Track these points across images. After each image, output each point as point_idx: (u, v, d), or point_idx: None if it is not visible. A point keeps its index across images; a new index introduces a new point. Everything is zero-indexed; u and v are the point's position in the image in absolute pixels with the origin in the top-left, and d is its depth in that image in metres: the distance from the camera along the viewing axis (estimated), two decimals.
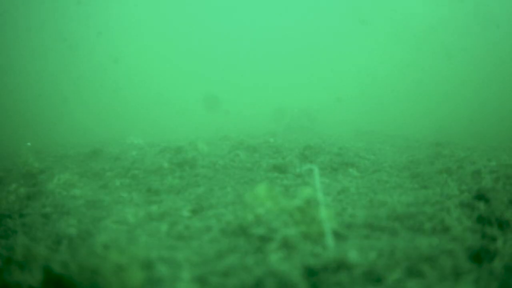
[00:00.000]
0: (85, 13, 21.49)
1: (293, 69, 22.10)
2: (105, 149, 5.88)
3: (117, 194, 3.48)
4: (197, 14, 28.71)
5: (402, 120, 10.54)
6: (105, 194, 3.50)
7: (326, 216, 2.11)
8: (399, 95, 13.59)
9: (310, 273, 1.77)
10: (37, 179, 4.20)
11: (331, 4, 27.45)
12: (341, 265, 1.80)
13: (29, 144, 5.31)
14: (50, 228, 2.70)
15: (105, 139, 8.26)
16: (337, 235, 2.19)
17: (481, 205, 2.57)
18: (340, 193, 3.21)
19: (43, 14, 19.11)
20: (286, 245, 2.01)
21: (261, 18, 28.97)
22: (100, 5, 23.17)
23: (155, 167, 4.24)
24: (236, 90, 18.65)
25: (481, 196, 2.72)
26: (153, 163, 4.44)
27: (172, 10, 28.41)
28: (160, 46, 24.68)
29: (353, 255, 1.86)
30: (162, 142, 6.43)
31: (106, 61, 19.32)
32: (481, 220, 2.40)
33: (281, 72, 21.53)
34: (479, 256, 1.94)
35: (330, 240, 2.03)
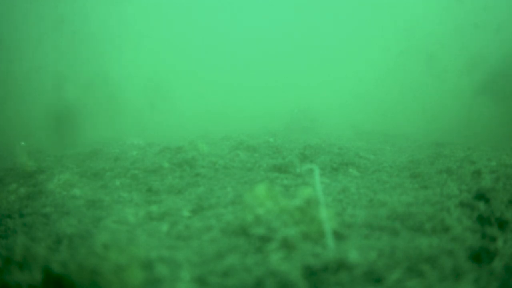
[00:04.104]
0: (89, 11, 21.53)
1: (293, 70, 22.11)
2: (105, 149, 5.88)
3: (117, 194, 3.48)
4: (196, 13, 28.71)
5: (402, 120, 10.54)
6: (105, 194, 3.50)
7: (326, 216, 2.11)
8: (399, 95, 13.60)
9: (310, 273, 1.77)
10: (37, 179, 4.20)
11: (333, 5, 27.46)
12: (341, 265, 1.80)
13: (23, 143, 5.30)
14: (50, 228, 2.70)
15: (105, 139, 8.26)
16: (337, 235, 2.19)
17: (481, 205, 2.57)
18: (340, 193, 3.21)
19: (47, 11, 19.12)
20: (286, 245, 2.01)
21: (262, 19, 28.96)
22: (103, 7, 23.21)
23: (155, 167, 4.24)
24: (237, 91, 18.65)
25: (481, 196, 2.72)
26: (153, 163, 4.44)
27: (170, 11, 28.42)
28: (159, 47, 24.69)
29: (353, 255, 1.86)
30: (162, 142, 6.43)
31: (105, 61, 19.33)
32: (481, 220, 2.40)
33: (282, 73, 21.53)
34: (479, 256, 1.94)
35: (330, 240, 2.03)
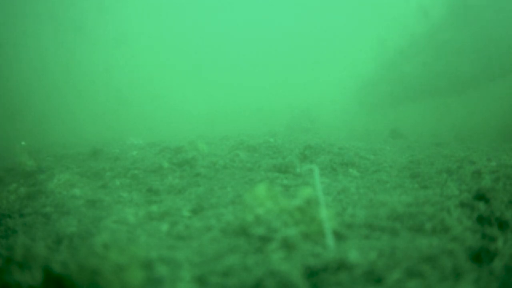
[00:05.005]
0: (85, 13, 21.50)
1: (294, 70, 22.10)
2: (105, 149, 5.88)
3: (117, 194, 3.48)
4: (195, 13, 28.70)
5: (402, 121, 10.55)
6: (105, 194, 3.50)
7: (326, 216, 2.11)
8: (399, 96, 13.59)
9: (310, 273, 1.77)
10: (37, 179, 4.20)
11: (331, 4, 27.46)
12: (341, 265, 1.80)
13: (23, 143, 5.31)
14: (50, 227, 2.70)
15: (105, 139, 8.26)
16: (337, 235, 2.19)
17: (481, 205, 2.57)
18: (340, 193, 3.21)
19: (42, 14, 19.11)
20: (286, 245, 2.01)
21: (262, 18, 28.95)
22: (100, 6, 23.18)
23: (155, 167, 4.24)
24: (237, 91, 18.65)
25: (481, 196, 2.72)
26: (153, 163, 4.44)
27: (170, 11, 28.40)
28: (159, 47, 24.68)
29: (353, 255, 1.86)
30: (162, 142, 6.43)
31: (105, 61, 19.32)
32: (481, 220, 2.40)
33: (282, 72, 21.53)
34: (479, 256, 1.94)
35: (330, 240, 2.03)
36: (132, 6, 26.00)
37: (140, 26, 25.10)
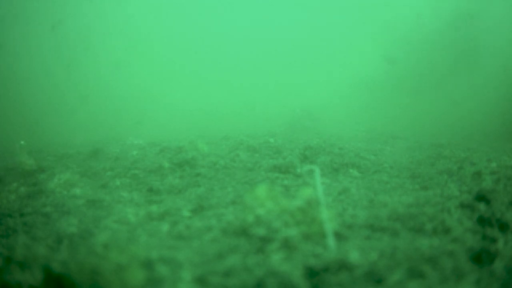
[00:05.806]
0: (84, 12, 21.48)
1: (293, 69, 22.09)
2: (105, 148, 5.87)
3: (117, 194, 3.48)
4: (195, 13, 28.69)
5: (403, 121, 10.54)
6: (106, 194, 3.50)
7: (326, 217, 2.10)
8: (399, 95, 13.57)
9: (311, 273, 1.77)
10: (37, 178, 4.20)
11: (329, 3, 27.45)
12: (342, 266, 1.80)
13: (22, 142, 5.31)
14: (51, 227, 2.70)
15: (105, 139, 8.26)
16: (338, 236, 2.19)
17: (482, 206, 2.57)
18: (341, 194, 3.21)
19: (40, 12, 19.09)
20: (287, 245, 2.01)
21: (261, 17, 28.96)
22: (100, 5, 23.17)
23: (156, 167, 4.24)
24: (236, 90, 18.65)
25: (481, 197, 2.72)
26: (153, 163, 4.44)
27: (169, 9, 28.39)
28: (159, 46, 24.66)
29: (354, 256, 1.86)
30: (162, 142, 6.43)
31: (105, 60, 19.31)
32: (482, 221, 2.40)
33: (282, 71, 21.51)
34: (479, 257, 1.94)
35: (331, 241, 2.03)
36: (132, 6, 25.99)
37: (140, 25, 25.08)
